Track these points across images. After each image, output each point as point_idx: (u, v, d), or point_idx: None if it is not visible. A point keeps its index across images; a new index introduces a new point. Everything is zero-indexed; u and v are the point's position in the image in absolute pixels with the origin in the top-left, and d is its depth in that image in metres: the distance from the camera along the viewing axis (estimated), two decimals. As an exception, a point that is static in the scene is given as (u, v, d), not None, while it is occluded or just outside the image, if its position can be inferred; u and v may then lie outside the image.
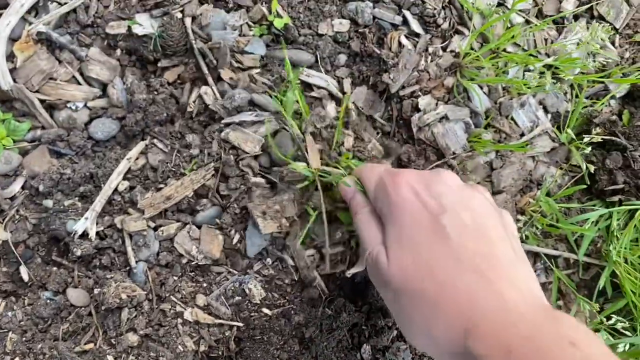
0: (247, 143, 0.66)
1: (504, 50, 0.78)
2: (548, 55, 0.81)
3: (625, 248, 0.75)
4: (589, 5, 0.82)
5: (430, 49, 0.75)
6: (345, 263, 0.70)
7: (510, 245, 0.45)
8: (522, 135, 0.78)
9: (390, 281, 0.46)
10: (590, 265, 0.80)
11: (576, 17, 0.84)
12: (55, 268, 0.70)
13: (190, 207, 0.71)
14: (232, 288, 0.68)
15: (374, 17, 0.76)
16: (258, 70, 0.73)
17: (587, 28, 0.78)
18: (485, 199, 0.49)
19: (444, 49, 0.76)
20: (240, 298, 0.68)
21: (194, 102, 0.72)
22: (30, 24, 0.72)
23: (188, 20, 0.74)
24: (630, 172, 0.76)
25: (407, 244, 0.46)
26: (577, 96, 0.80)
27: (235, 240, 0.70)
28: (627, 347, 0.68)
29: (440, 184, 0.48)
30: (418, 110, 0.74)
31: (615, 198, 0.78)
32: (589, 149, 0.74)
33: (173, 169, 0.70)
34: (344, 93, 0.75)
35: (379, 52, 0.74)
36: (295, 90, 0.66)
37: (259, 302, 0.69)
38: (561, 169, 0.79)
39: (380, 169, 0.57)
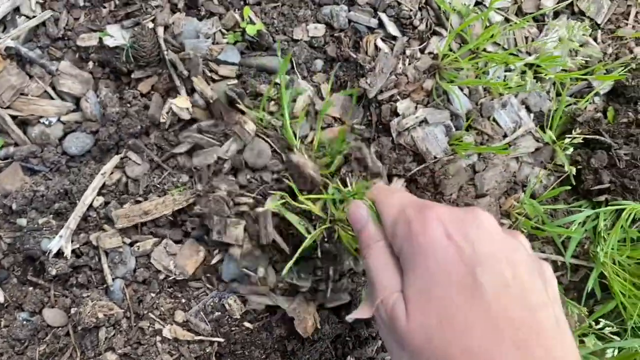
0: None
1: (484, 50, 0.76)
2: (529, 54, 0.79)
3: (612, 249, 0.73)
4: (569, 1, 0.81)
5: (408, 52, 0.74)
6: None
7: (552, 312, 0.39)
8: (505, 136, 0.77)
9: (407, 342, 0.39)
10: (579, 267, 0.78)
11: (557, 14, 0.82)
12: (31, 288, 0.68)
13: (169, 223, 0.69)
14: (212, 304, 0.67)
15: (350, 21, 0.74)
16: (233, 80, 0.71)
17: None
18: (526, 250, 0.43)
19: (422, 51, 0.75)
20: (220, 313, 0.67)
21: (167, 113, 0.70)
22: (-1, 39, 0.71)
23: (160, 30, 0.72)
24: (615, 171, 0.75)
25: (434, 298, 0.39)
26: (559, 94, 0.78)
27: (215, 260, 0.69)
28: (616, 352, 0.67)
29: (477, 226, 0.41)
30: (397, 114, 0.72)
31: (602, 198, 0.76)
32: (573, 148, 0.72)
33: (157, 185, 0.69)
34: (322, 99, 0.73)
35: (355, 56, 0.72)
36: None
37: (239, 317, 0.67)
38: (546, 169, 0.78)
39: (402, 197, 0.48)
